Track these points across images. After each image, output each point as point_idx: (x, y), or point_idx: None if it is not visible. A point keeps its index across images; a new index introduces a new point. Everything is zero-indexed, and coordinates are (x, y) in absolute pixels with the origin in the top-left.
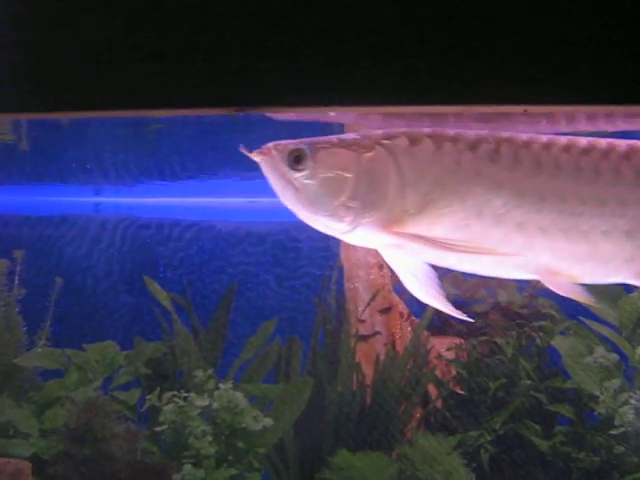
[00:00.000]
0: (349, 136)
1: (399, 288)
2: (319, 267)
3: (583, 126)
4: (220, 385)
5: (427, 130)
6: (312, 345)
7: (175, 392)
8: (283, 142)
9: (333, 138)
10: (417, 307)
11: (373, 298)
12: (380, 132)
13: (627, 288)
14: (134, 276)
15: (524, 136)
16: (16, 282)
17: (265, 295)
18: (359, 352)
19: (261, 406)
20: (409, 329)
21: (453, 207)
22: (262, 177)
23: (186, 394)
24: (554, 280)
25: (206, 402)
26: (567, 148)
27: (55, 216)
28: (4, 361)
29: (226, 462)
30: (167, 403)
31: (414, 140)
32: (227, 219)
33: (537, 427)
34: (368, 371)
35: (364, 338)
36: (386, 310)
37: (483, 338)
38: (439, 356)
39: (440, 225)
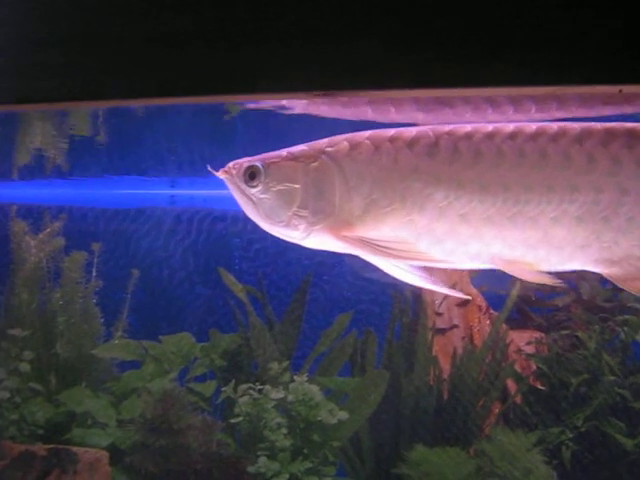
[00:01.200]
0: (298, 148)
1: (477, 280)
2: None
3: (533, 113)
4: (295, 378)
5: (368, 133)
6: (388, 338)
7: (250, 384)
8: (241, 160)
9: (284, 152)
10: (496, 300)
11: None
12: (325, 141)
13: None
14: (209, 268)
15: (468, 127)
16: (94, 274)
17: (341, 287)
18: (436, 345)
19: (336, 399)
20: (487, 322)
21: (394, 205)
22: None
23: (261, 386)
24: (512, 268)
25: (281, 395)
26: (512, 135)
27: (131, 209)
28: (82, 352)
29: (301, 455)
30: (242, 395)
31: (354, 144)
32: None
33: (621, 425)
34: (445, 365)
35: (441, 331)
36: (464, 303)
37: (564, 332)
38: (518, 350)
39: (385, 224)
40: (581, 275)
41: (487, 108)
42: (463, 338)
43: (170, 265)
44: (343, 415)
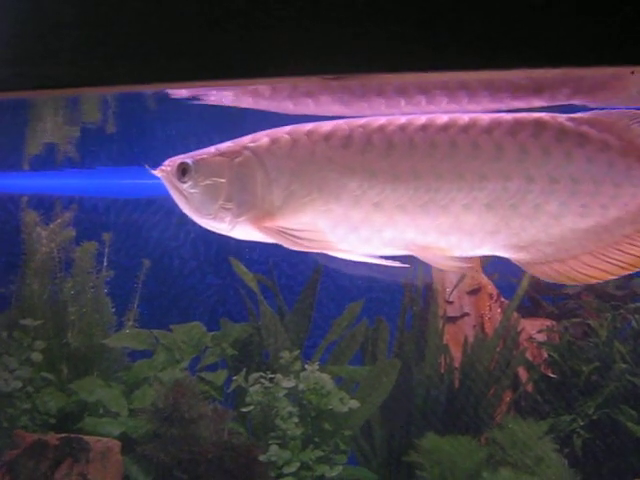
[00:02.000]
0: (225, 144)
1: (488, 268)
2: None
3: (445, 106)
4: (306, 366)
5: (288, 127)
6: (399, 326)
7: (261, 373)
8: (175, 158)
9: (212, 148)
10: (507, 288)
11: (461, 279)
12: (249, 137)
13: None
14: (220, 257)
15: (382, 119)
16: (104, 264)
17: (352, 276)
18: (447, 334)
19: (347, 388)
20: (498, 310)
21: (312, 195)
22: None
23: (272, 375)
24: (426, 254)
25: (292, 383)
26: (424, 127)
27: (142, 198)
28: (94, 342)
29: (312, 444)
30: (253, 384)
31: (274, 139)
32: None
33: (633, 412)
34: (456, 353)
35: (452, 320)
36: (475, 291)
37: (576, 320)
38: (530, 338)
39: (304, 214)
40: None
41: (400, 100)
42: (474, 326)
43: (181, 254)
44: (354, 404)
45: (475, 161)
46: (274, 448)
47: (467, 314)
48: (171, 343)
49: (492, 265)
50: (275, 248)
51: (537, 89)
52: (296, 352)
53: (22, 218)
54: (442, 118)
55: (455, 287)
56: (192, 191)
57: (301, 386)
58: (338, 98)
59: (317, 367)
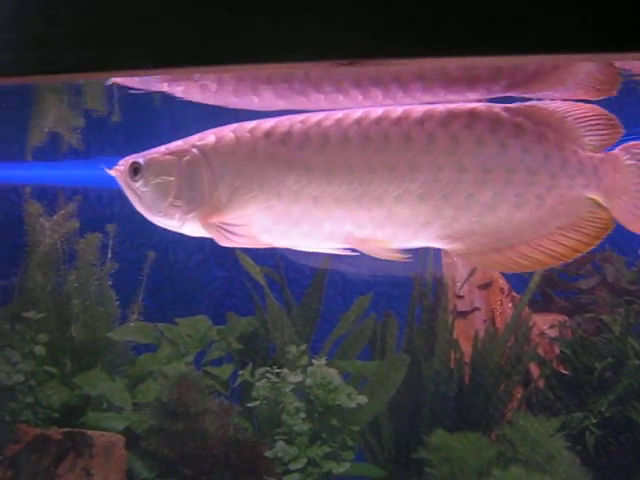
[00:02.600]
0: (175, 143)
1: None
2: None
3: (381, 100)
4: (314, 361)
5: (234, 125)
6: (408, 321)
7: (268, 368)
8: (128, 157)
9: (162, 148)
10: (518, 282)
11: (472, 273)
12: (197, 135)
13: None
14: (226, 250)
15: (320, 115)
16: (109, 256)
17: (360, 269)
18: (457, 329)
19: (355, 383)
20: (510, 305)
21: (254, 192)
22: None
23: (279, 370)
24: (365, 247)
25: (299, 378)
26: (358, 121)
27: None
28: (98, 335)
29: (319, 439)
30: (260, 379)
31: (219, 137)
32: None
33: None
34: (466, 348)
35: (462, 314)
36: (486, 285)
37: (589, 315)
38: (542, 334)
39: (247, 210)
40: (606, 257)
41: (338, 95)
42: (485, 321)
43: (186, 247)
44: (362, 399)
45: (407, 153)
46: (281, 444)
47: (478, 309)
48: (176, 337)
49: None
50: None
51: (471, 81)
52: (303, 346)
53: (25, 209)
54: (376, 111)
55: (466, 281)
56: (143, 189)
57: (308, 381)
58: (280, 93)
59: (324, 362)
